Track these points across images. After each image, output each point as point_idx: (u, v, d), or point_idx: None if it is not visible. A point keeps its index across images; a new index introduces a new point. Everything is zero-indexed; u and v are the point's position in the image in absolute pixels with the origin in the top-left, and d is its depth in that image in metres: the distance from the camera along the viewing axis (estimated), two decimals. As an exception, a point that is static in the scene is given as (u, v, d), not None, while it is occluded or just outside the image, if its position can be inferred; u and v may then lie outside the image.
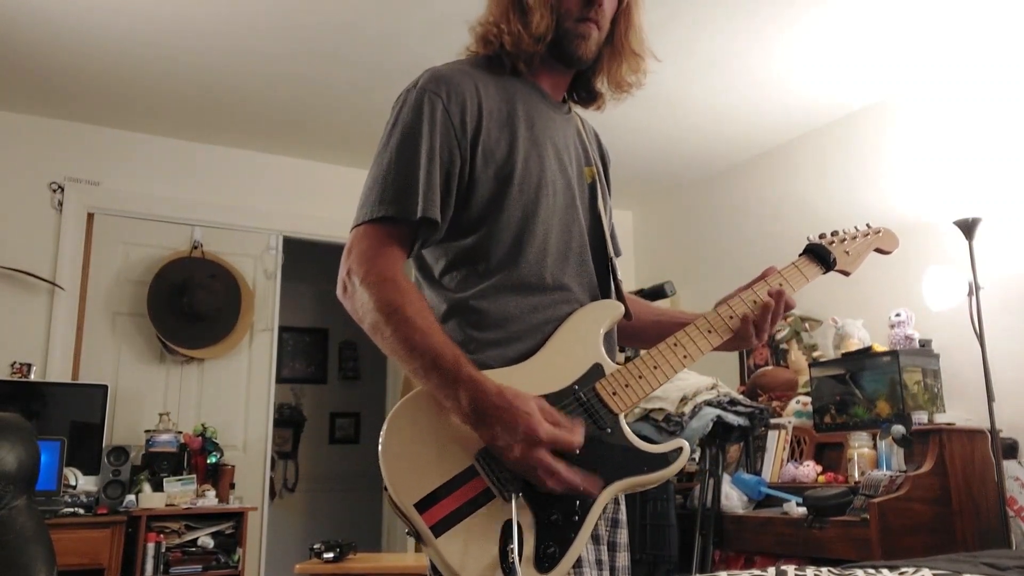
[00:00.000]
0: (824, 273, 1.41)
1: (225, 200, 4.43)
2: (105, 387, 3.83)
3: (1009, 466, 2.98)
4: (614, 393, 1.16)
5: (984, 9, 3.11)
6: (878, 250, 1.51)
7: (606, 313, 1.25)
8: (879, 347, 3.35)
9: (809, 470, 3.30)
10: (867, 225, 1.53)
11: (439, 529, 1.04)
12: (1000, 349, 3.12)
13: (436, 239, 1.21)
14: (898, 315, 3.38)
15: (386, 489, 1.08)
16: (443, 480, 1.06)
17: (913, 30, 3.26)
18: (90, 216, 4.14)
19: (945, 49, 3.40)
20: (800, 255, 1.42)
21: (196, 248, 4.33)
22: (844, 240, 1.46)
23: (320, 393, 6.42)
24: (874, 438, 3.17)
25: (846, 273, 1.45)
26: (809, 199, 4.20)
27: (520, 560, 1.03)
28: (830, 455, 3.41)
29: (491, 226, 1.20)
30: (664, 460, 1.15)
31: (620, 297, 1.32)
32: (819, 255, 1.40)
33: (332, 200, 4.62)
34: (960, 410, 3.21)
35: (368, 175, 1.20)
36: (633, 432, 1.16)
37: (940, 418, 3.10)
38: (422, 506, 1.05)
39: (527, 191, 1.21)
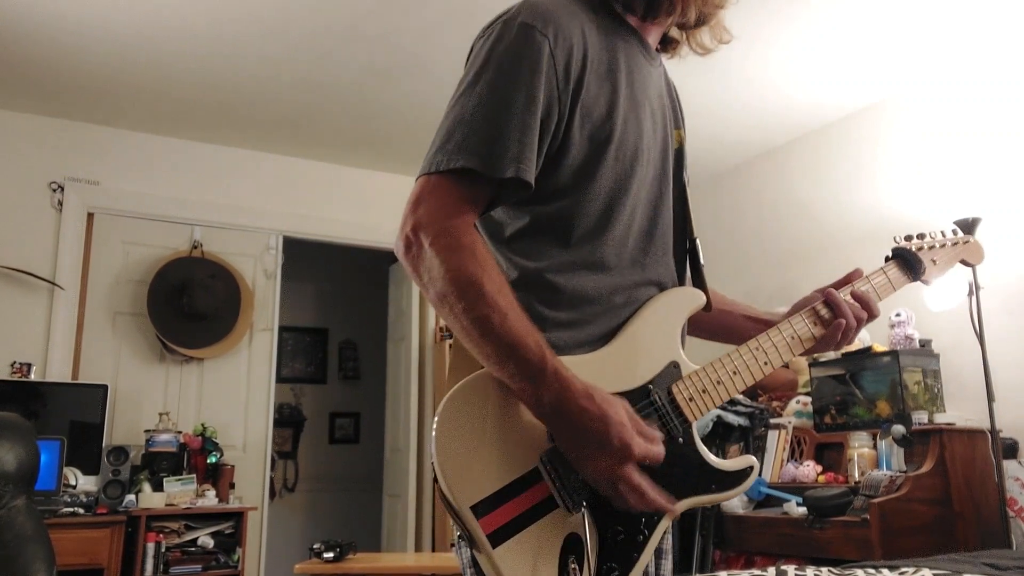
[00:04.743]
0: (910, 282, 1.29)
1: (225, 200, 4.43)
2: (105, 387, 3.83)
3: (1009, 466, 2.98)
4: (690, 399, 1.05)
5: (983, 10, 3.11)
6: (963, 262, 1.38)
7: (687, 303, 1.12)
8: (879, 347, 3.35)
9: (809, 470, 3.30)
10: (953, 232, 1.38)
11: (497, 538, 0.93)
12: (1000, 349, 3.12)
13: (515, 200, 1.05)
14: (898, 315, 3.38)
15: (437, 482, 0.96)
16: (504, 482, 0.94)
17: (913, 30, 3.26)
18: (90, 216, 4.14)
19: (945, 49, 3.40)
20: (888, 260, 1.29)
21: (196, 248, 4.33)
22: (932, 247, 1.33)
23: (320, 393, 6.42)
24: (874, 438, 3.17)
25: (926, 282, 1.32)
26: (808, 200, 4.19)
27: None
28: (830, 455, 3.41)
29: (579, 195, 1.04)
30: (736, 479, 1.05)
31: (702, 283, 1.18)
32: (908, 262, 1.28)
33: (332, 200, 4.64)
34: (960, 410, 3.21)
35: (445, 117, 1.02)
36: None
37: (940, 418, 3.10)
38: (480, 510, 0.93)
39: (623, 159, 1.06)
